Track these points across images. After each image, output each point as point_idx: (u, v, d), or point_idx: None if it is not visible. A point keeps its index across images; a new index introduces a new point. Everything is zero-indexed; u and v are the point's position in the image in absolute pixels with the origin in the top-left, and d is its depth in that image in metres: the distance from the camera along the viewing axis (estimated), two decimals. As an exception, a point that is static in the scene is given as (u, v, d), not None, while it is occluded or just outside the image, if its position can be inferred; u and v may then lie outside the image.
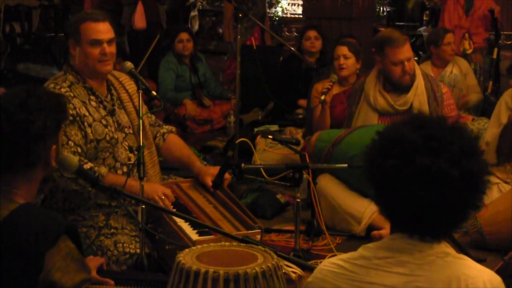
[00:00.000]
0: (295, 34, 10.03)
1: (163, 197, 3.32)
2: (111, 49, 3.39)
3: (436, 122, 1.82)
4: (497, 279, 1.79)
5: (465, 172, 1.74)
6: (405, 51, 4.27)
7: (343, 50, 5.18)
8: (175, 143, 3.74)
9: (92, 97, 3.41)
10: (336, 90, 5.11)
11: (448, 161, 1.73)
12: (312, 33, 6.54)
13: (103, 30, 3.37)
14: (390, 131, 1.84)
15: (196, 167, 3.65)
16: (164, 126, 3.76)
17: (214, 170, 3.56)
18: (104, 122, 3.39)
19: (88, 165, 3.23)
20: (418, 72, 4.42)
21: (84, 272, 2.26)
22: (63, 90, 3.32)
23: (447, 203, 1.75)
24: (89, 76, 3.42)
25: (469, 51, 6.96)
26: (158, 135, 3.70)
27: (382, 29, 9.16)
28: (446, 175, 1.72)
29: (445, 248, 1.83)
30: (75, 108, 3.30)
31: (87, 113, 3.34)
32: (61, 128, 2.43)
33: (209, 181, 3.54)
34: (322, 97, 4.74)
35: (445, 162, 1.73)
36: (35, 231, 2.17)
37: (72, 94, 3.33)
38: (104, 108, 3.44)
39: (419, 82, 4.37)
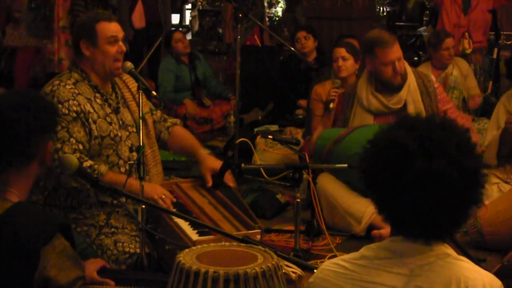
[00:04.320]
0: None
1: (163, 197, 3.32)
2: (124, 47, 3.44)
3: (427, 122, 1.80)
4: (497, 282, 1.79)
5: (463, 170, 1.72)
6: (395, 51, 4.27)
7: (341, 51, 5.17)
8: (180, 134, 3.77)
9: (97, 95, 3.42)
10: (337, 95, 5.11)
11: (445, 162, 1.71)
12: (301, 34, 6.53)
13: (117, 29, 3.41)
14: (382, 137, 1.82)
15: (198, 154, 3.66)
16: (168, 120, 3.78)
17: (215, 163, 3.56)
18: (108, 119, 3.40)
19: (88, 163, 3.23)
20: (409, 70, 4.43)
21: (78, 269, 2.27)
22: (68, 87, 3.33)
23: (449, 203, 1.74)
24: (99, 75, 3.43)
25: (469, 51, 6.96)
26: (163, 130, 3.72)
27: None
28: (445, 176, 1.71)
29: (445, 249, 1.82)
30: (79, 104, 3.31)
31: (91, 110, 3.35)
32: (52, 132, 2.46)
33: (207, 175, 3.54)
34: (331, 105, 4.76)
35: (442, 163, 1.71)
36: (31, 228, 2.19)
37: (76, 91, 3.34)
38: (109, 105, 3.45)
39: (411, 80, 4.38)
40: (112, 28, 3.39)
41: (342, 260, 1.90)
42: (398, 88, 4.35)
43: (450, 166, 1.71)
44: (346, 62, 5.16)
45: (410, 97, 4.36)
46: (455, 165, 1.72)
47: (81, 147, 3.27)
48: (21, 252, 2.16)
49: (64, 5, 6.68)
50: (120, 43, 3.40)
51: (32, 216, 2.23)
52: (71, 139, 3.25)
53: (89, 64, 3.41)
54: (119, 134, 3.42)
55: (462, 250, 2.76)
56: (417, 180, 1.72)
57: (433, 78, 4.64)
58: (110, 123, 3.40)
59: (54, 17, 6.66)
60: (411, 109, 4.32)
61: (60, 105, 3.26)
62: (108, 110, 3.43)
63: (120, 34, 3.42)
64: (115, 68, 3.40)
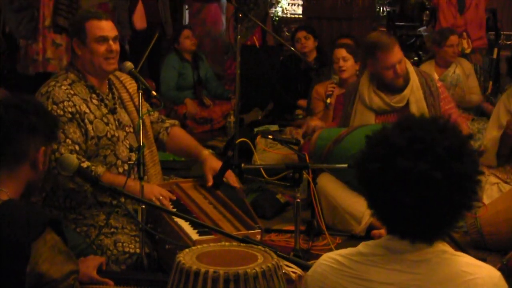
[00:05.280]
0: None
1: (160, 198, 3.32)
2: (116, 46, 3.41)
3: (425, 123, 1.79)
4: (496, 274, 1.79)
5: (450, 174, 1.71)
6: (396, 54, 4.25)
7: (342, 52, 5.18)
8: (179, 136, 3.76)
9: (93, 95, 3.42)
10: (336, 91, 5.11)
11: (430, 163, 1.70)
12: (301, 34, 6.54)
13: (108, 27, 3.39)
14: (377, 134, 1.82)
15: (202, 155, 3.64)
16: (167, 121, 3.77)
17: (218, 164, 3.56)
18: (105, 120, 3.40)
19: (85, 164, 3.23)
20: (411, 69, 4.42)
21: (71, 263, 2.28)
22: (63, 87, 3.33)
23: (433, 206, 1.73)
24: (93, 74, 3.42)
25: (468, 50, 6.96)
26: (161, 130, 3.71)
27: (383, 29, 9.18)
28: (428, 178, 1.70)
29: (442, 246, 1.82)
30: (74, 105, 3.31)
31: (88, 111, 3.35)
32: (50, 141, 2.46)
33: (210, 175, 3.54)
34: (328, 100, 4.77)
35: (426, 164, 1.70)
36: (20, 222, 2.20)
37: (72, 92, 3.34)
38: (106, 106, 3.44)
39: (414, 79, 4.37)
40: (102, 26, 3.37)
41: (339, 255, 1.90)
42: (401, 89, 4.35)
43: (434, 168, 1.70)
44: (346, 63, 5.17)
45: (413, 96, 4.34)
46: (441, 168, 1.70)
47: (77, 148, 3.27)
48: (11, 248, 2.17)
49: (49, 4, 6.65)
50: (111, 42, 3.37)
51: (21, 211, 2.24)
52: (67, 140, 3.25)
53: (82, 63, 3.41)
54: (116, 135, 3.42)
55: (462, 250, 2.76)
56: (400, 178, 1.72)
57: (436, 76, 4.63)
58: (107, 124, 3.40)
59: (40, 16, 6.64)
60: (413, 108, 4.30)
61: (55, 106, 3.26)
62: (105, 111, 3.42)
63: (111, 33, 3.39)
64: (106, 66, 3.38)
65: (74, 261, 2.31)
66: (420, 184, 1.71)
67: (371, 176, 1.78)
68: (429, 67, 6.19)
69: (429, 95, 4.38)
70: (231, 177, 3.56)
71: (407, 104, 4.35)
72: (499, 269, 3.03)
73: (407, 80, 4.35)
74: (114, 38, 3.40)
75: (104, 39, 3.36)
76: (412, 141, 1.74)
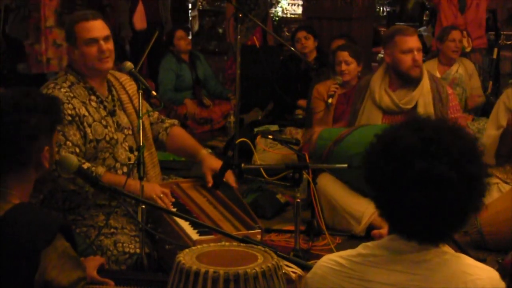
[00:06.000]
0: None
1: (161, 196, 3.32)
2: (108, 45, 3.36)
3: (435, 124, 1.81)
4: (496, 276, 1.80)
5: (464, 176, 1.72)
6: (415, 40, 4.30)
7: (344, 56, 5.17)
8: (178, 135, 3.75)
9: (92, 97, 3.40)
10: (338, 91, 5.11)
11: (447, 165, 1.71)
12: (301, 34, 6.54)
13: (97, 28, 3.34)
14: (390, 134, 1.82)
15: (200, 154, 3.64)
16: (166, 121, 3.76)
17: (216, 163, 3.56)
18: (104, 122, 3.39)
19: (85, 165, 3.22)
20: (425, 72, 4.42)
21: (80, 270, 2.27)
22: (62, 90, 3.32)
23: (447, 207, 1.74)
24: (90, 76, 3.41)
25: (468, 49, 6.96)
26: (161, 131, 3.71)
27: (383, 29, 9.18)
28: (445, 179, 1.71)
29: (443, 247, 1.83)
30: (74, 108, 3.30)
31: (87, 113, 3.34)
32: (55, 130, 2.44)
33: (209, 175, 3.54)
34: (330, 100, 4.76)
35: (444, 166, 1.71)
36: (32, 229, 2.19)
37: (71, 95, 3.33)
38: (105, 108, 3.43)
39: (425, 82, 4.36)
40: (90, 27, 3.33)
41: (340, 257, 1.90)
42: (416, 82, 4.32)
43: (451, 170, 1.71)
44: (349, 67, 5.16)
45: (422, 99, 4.33)
46: (457, 169, 1.72)
47: (77, 150, 3.26)
48: (21, 254, 2.16)
49: (50, 4, 6.62)
50: (101, 42, 3.33)
51: (33, 217, 2.23)
52: (68, 142, 3.24)
53: (77, 66, 3.38)
54: (115, 137, 3.41)
55: (462, 250, 2.76)
56: (418, 180, 1.72)
57: (438, 75, 4.64)
58: (106, 126, 3.39)
59: (41, 17, 6.61)
60: (421, 111, 4.28)
61: None
62: (104, 113, 3.41)
63: (101, 33, 3.34)
64: (100, 65, 3.35)
65: (82, 267, 2.31)
66: (436, 185, 1.72)
67: (384, 177, 1.78)
68: (432, 65, 6.18)
69: (438, 101, 4.37)
70: (229, 177, 3.56)
71: (415, 106, 4.34)
72: (497, 270, 3.04)
73: (422, 74, 4.34)
74: (105, 38, 3.35)
75: (93, 41, 3.32)
76: (427, 142, 1.74)
